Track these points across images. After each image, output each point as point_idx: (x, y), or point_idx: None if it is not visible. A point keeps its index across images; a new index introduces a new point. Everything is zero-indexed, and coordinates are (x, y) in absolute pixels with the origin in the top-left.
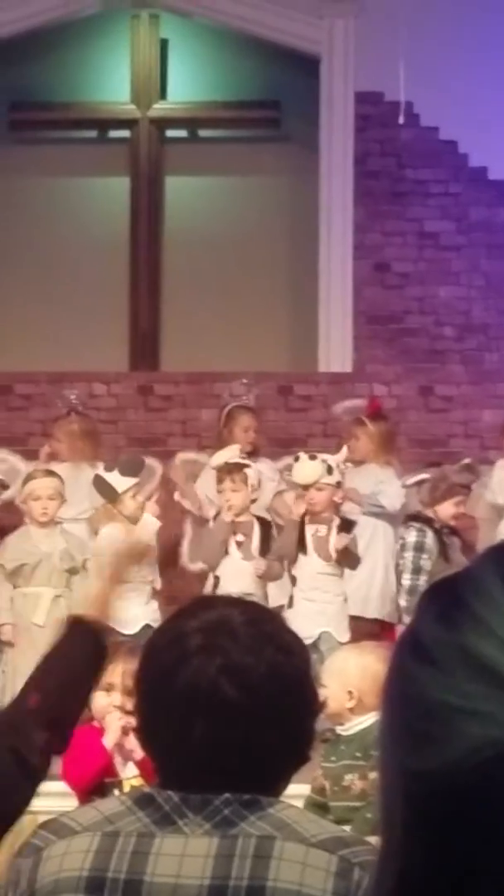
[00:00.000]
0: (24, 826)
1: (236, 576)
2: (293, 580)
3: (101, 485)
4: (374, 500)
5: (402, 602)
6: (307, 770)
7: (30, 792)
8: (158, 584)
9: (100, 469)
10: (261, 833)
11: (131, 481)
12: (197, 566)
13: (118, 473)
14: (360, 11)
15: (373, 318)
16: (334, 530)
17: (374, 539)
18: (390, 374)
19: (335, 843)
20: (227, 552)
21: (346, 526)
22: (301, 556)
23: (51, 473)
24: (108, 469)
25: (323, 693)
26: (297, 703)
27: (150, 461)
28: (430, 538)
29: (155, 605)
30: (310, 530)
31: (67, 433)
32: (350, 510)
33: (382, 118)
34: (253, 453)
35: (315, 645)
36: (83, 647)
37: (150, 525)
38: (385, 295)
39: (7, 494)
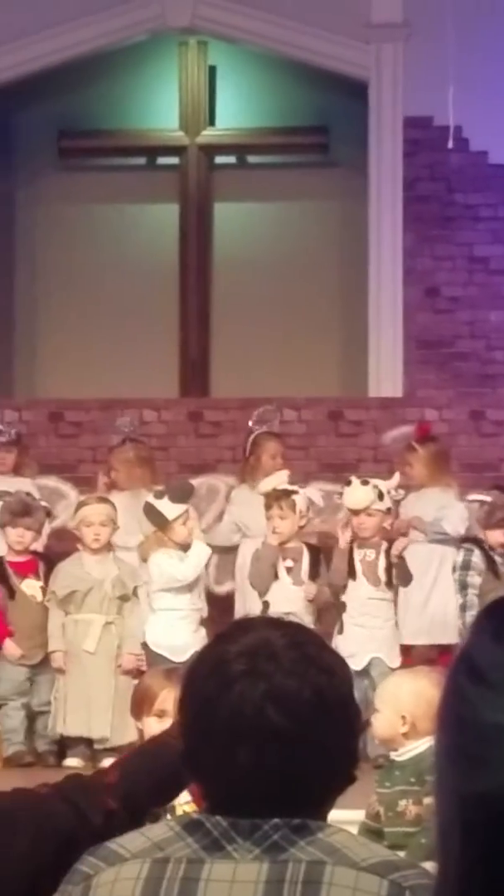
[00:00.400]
0: None
1: (286, 600)
2: (343, 606)
3: (151, 512)
4: (438, 527)
5: (458, 621)
6: (362, 796)
7: (85, 846)
8: (206, 612)
9: (150, 496)
10: (311, 858)
11: (181, 508)
12: (224, 589)
13: (168, 500)
14: (409, 36)
15: (423, 342)
16: (383, 555)
17: (442, 565)
18: (441, 399)
19: (386, 867)
20: (276, 577)
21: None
22: (350, 582)
23: (103, 500)
24: (158, 496)
25: (375, 718)
26: (341, 724)
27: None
28: (476, 556)
29: (203, 632)
30: (358, 555)
31: (124, 461)
32: (415, 538)
33: (431, 143)
34: None
35: (366, 671)
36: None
37: (201, 553)
38: (435, 319)
39: (56, 522)
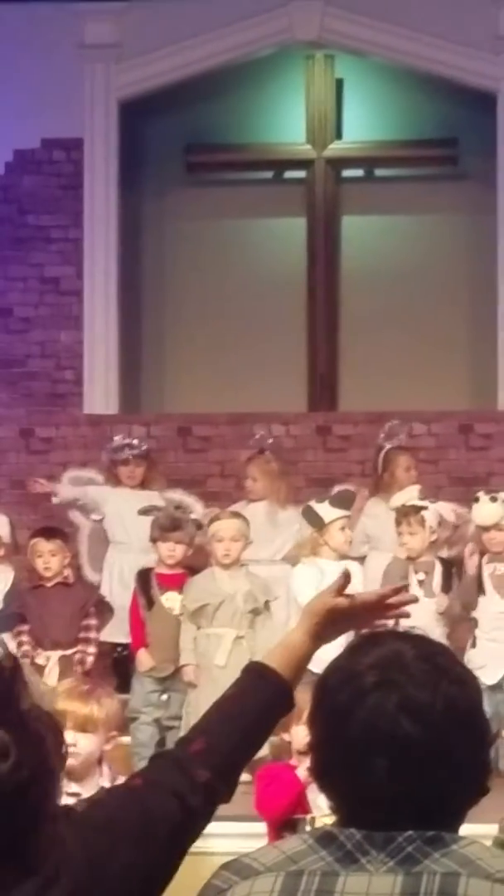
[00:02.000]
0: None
1: (416, 613)
2: (475, 621)
3: (309, 514)
4: None
5: None
6: (496, 811)
7: (191, 832)
8: None
9: (312, 500)
10: (445, 870)
11: (340, 513)
12: None
13: (328, 504)
14: None
15: None
16: None
17: None
18: None
19: None
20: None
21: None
22: (480, 597)
23: (235, 515)
24: (320, 500)
25: None
26: (473, 735)
27: None
28: None
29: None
30: (488, 569)
31: (266, 472)
32: None
33: None
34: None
35: (499, 685)
36: (260, 698)
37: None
38: None
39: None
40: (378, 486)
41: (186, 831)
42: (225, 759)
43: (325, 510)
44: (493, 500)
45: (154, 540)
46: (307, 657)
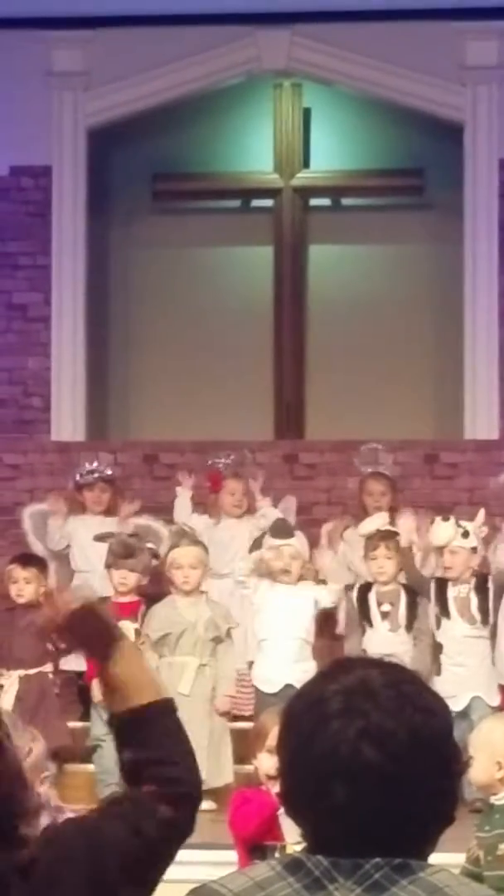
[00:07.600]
0: None
1: (384, 646)
2: (439, 647)
3: (255, 544)
4: None
5: None
6: (463, 840)
7: (151, 863)
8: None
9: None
10: None
11: (277, 542)
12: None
13: (269, 536)
14: None
15: None
16: (474, 592)
17: None
18: None
19: None
20: (371, 624)
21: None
22: (445, 621)
23: (195, 542)
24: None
25: (471, 765)
26: (439, 764)
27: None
28: None
29: (309, 666)
30: (451, 593)
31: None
32: None
33: None
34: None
35: (465, 712)
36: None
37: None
38: None
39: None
40: (357, 512)
41: (144, 862)
42: (171, 786)
43: (266, 540)
44: (446, 520)
45: (108, 566)
46: (126, 673)
